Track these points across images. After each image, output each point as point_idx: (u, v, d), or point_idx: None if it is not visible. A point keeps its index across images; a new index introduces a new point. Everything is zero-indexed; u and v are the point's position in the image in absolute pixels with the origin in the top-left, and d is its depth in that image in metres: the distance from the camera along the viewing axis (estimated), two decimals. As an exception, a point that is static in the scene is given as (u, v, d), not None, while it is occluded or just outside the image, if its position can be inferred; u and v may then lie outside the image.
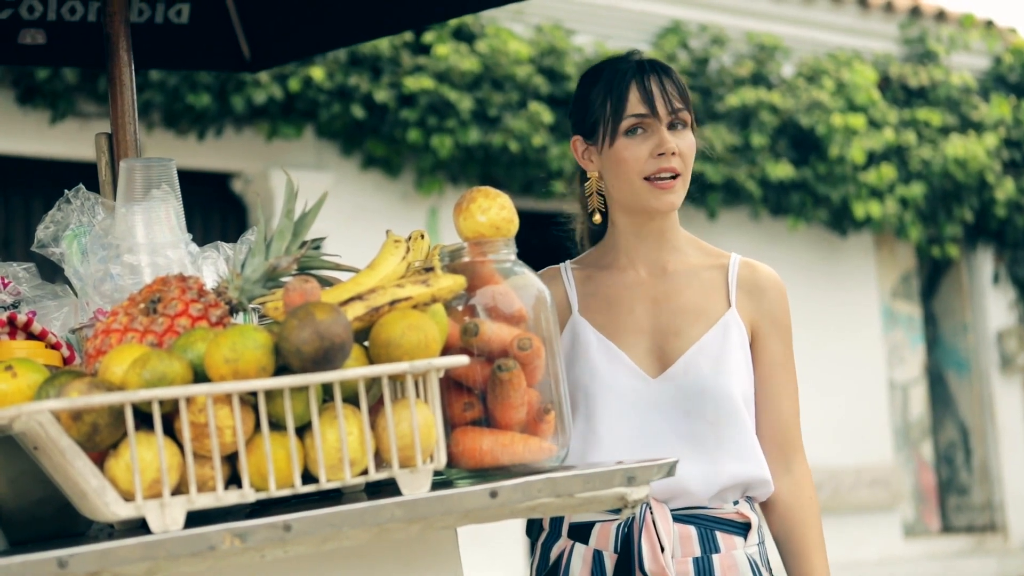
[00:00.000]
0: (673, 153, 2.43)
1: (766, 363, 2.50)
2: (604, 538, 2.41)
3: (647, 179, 2.44)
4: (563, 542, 2.46)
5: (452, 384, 1.88)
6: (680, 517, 2.40)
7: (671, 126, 2.45)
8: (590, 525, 2.43)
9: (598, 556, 2.41)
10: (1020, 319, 11.59)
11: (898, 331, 11.16)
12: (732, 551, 2.42)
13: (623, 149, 2.45)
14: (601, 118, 2.47)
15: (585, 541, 2.43)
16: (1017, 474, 11.40)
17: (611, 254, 2.55)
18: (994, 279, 11.61)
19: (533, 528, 2.53)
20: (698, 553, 2.40)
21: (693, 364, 2.42)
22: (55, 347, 2.09)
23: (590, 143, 2.51)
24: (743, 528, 2.44)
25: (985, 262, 11.62)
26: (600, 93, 2.48)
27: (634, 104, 2.44)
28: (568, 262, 2.60)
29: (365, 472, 1.70)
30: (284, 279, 1.85)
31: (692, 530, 2.40)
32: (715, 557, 2.40)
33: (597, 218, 2.57)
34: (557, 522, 2.47)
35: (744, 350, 2.48)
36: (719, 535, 2.42)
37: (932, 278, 11.69)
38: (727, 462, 2.41)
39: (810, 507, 2.50)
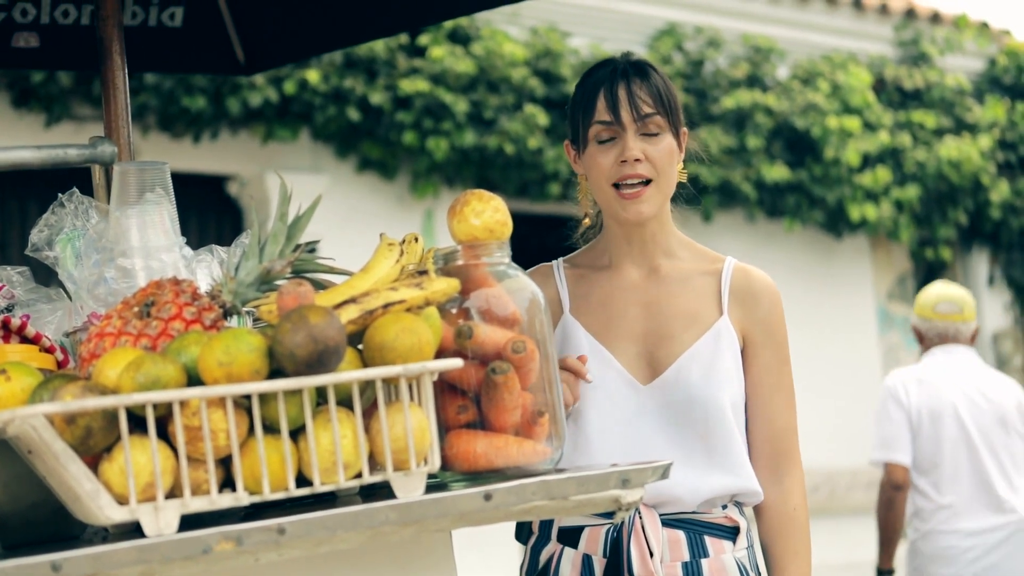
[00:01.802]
0: (637, 160, 2.40)
1: (757, 372, 2.49)
2: (593, 542, 2.41)
3: (615, 187, 2.43)
4: (552, 546, 2.45)
5: (446, 387, 1.88)
6: (669, 522, 2.40)
7: (642, 133, 2.43)
8: (579, 529, 2.42)
9: (587, 560, 2.40)
10: (1015, 321, 11.59)
11: (894, 333, 11.17)
12: (721, 555, 2.41)
13: (592, 156, 2.45)
14: (577, 124, 2.48)
15: (574, 545, 2.42)
16: (1013, 475, 11.39)
17: (605, 256, 2.55)
18: (989, 281, 11.61)
19: (522, 532, 2.53)
20: (687, 558, 2.39)
21: (684, 372, 2.42)
22: (49, 351, 2.08)
23: (574, 147, 2.52)
24: (732, 532, 2.44)
25: (980, 264, 11.62)
26: (576, 99, 2.49)
27: (600, 112, 2.43)
28: (560, 260, 2.59)
29: (359, 475, 1.70)
30: (278, 282, 1.85)
31: (681, 535, 2.40)
32: (704, 561, 2.40)
33: (586, 221, 2.59)
34: (546, 526, 2.47)
35: (735, 358, 2.46)
36: (708, 539, 2.41)
37: (928, 280, 11.69)
38: (715, 474, 2.41)
39: (794, 518, 2.48)
